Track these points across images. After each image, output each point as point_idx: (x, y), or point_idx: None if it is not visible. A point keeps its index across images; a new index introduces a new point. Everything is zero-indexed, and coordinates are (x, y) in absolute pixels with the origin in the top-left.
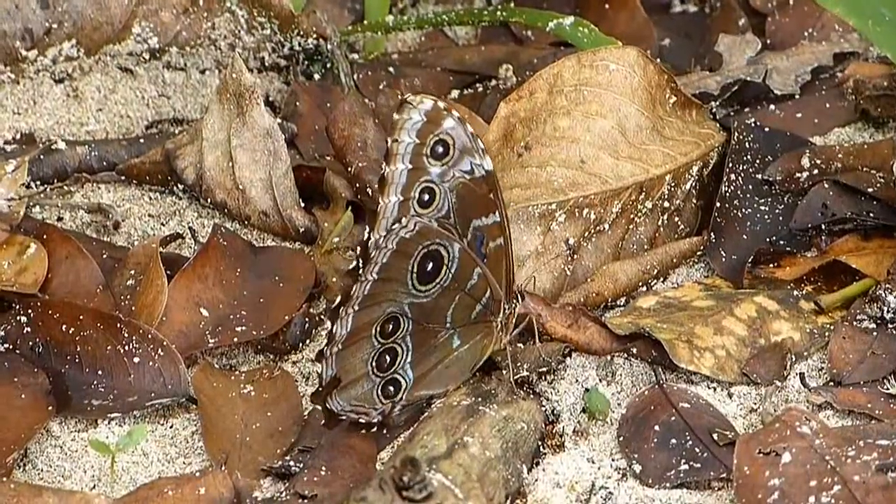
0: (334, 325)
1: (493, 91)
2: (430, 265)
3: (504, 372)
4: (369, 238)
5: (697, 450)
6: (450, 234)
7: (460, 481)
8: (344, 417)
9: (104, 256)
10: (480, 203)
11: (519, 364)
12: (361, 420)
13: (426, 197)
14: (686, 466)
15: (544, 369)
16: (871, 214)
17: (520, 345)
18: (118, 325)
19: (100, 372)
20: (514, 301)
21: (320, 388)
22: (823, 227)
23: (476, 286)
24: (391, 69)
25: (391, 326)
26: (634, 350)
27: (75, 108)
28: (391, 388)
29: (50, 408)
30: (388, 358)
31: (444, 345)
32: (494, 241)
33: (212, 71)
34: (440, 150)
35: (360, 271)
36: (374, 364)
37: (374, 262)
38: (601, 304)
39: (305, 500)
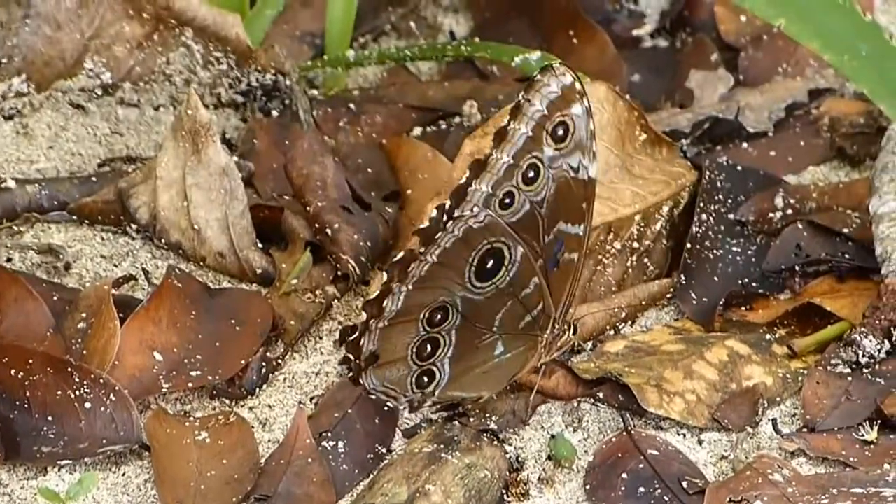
0: (385, 300)
1: (458, 128)
2: (491, 262)
3: (472, 419)
4: (470, 186)
5: (666, 498)
6: (517, 236)
7: None
8: (374, 396)
9: (55, 298)
10: (573, 208)
11: (487, 416)
12: (389, 404)
13: (531, 174)
14: None
15: (513, 428)
16: (847, 256)
17: (492, 396)
18: (69, 369)
19: (50, 418)
20: (567, 326)
21: (355, 361)
22: (797, 268)
23: (530, 296)
24: (352, 106)
25: (440, 316)
26: (602, 395)
27: (25, 145)
28: (425, 379)
29: None
30: (429, 347)
31: (487, 348)
32: (570, 253)
33: (166, 107)
34: (560, 132)
35: (422, 250)
36: (414, 350)
37: (436, 245)
38: (568, 349)
39: None
